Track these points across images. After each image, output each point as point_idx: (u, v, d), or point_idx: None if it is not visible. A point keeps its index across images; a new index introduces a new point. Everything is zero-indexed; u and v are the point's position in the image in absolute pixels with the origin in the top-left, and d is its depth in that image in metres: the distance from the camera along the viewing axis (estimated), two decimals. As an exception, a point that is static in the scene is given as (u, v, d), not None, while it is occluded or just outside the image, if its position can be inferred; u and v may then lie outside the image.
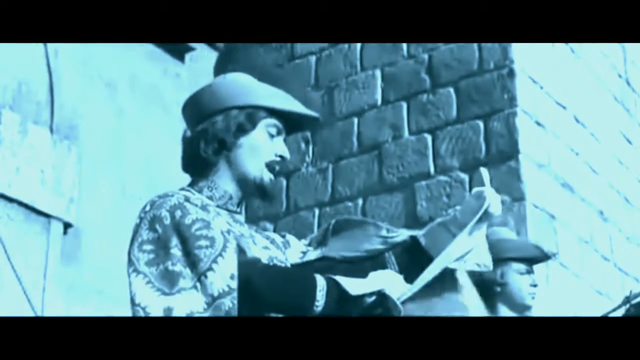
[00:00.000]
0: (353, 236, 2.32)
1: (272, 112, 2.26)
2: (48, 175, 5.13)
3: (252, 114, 2.24)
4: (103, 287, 5.08)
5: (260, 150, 2.24)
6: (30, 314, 4.79)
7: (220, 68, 6.29)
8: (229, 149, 2.22)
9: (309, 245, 2.36)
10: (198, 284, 1.98)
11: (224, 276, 1.97)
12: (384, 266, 2.25)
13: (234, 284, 1.96)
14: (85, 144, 5.43)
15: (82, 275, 5.18)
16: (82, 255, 5.26)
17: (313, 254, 2.32)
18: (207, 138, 2.22)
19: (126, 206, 5.25)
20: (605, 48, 6.42)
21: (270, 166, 2.25)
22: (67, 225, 5.20)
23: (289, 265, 2.27)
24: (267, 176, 2.25)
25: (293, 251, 2.33)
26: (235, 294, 1.95)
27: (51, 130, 5.26)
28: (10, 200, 4.93)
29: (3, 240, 4.81)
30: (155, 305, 1.97)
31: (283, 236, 2.39)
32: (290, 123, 2.30)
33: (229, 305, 1.94)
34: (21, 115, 5.12)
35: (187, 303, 1.96)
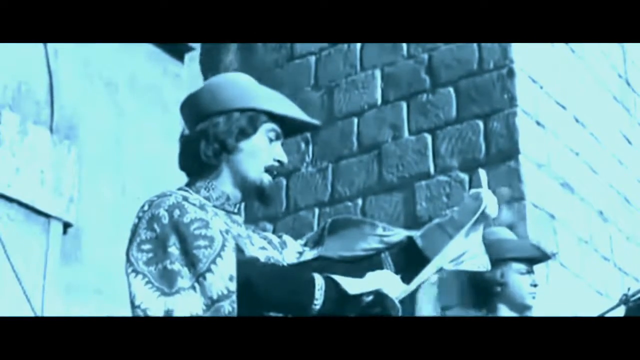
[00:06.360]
0: (349, 235, 2.32)
1: (272, 116, 2.26)
2: (48, 175, 5.12)
3: (253, 118, 2.23)
4: (103, 287, 5.07)
5: (260, 154, 2.24)
6: (30, 314, 4.79)
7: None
8: (230, 151, 2.22)
9: (306, 245, 2.35)
10: (197, 285, 1.98)
11: (222, 278, 1.96)
12: (380, 266, 2.25)
13: (233, 286, 1.96)
14: (85, 144, 5.43)
15: (82, 275, 5.18)
16: (82, 255, 5.26)
17: (309, 254, 2.31)
18: (207, 139, 2.21)
19: (126, 206, 5.24)
20: (605, 48, 6.41)
21: (269, 170, 2.25)
22: (66, 225, 5.19)
23: (286, 265, 2.27)
24: (267, 179, 2.25)
25: (290, 251, 2.33)
26: (234, 297, 1.95)
27: (51, 130, 5.25)
28: (10, 200, 4.93)
29: (3, 240, 4.81)
30: (155, 306, 1.97)
31: (280, 237, 2.38)
32: (288, 127, 2.30)
33: (229, 309, 1.94)
34: (21, 115, 5.11)
35: (187, 305, 1.96)
